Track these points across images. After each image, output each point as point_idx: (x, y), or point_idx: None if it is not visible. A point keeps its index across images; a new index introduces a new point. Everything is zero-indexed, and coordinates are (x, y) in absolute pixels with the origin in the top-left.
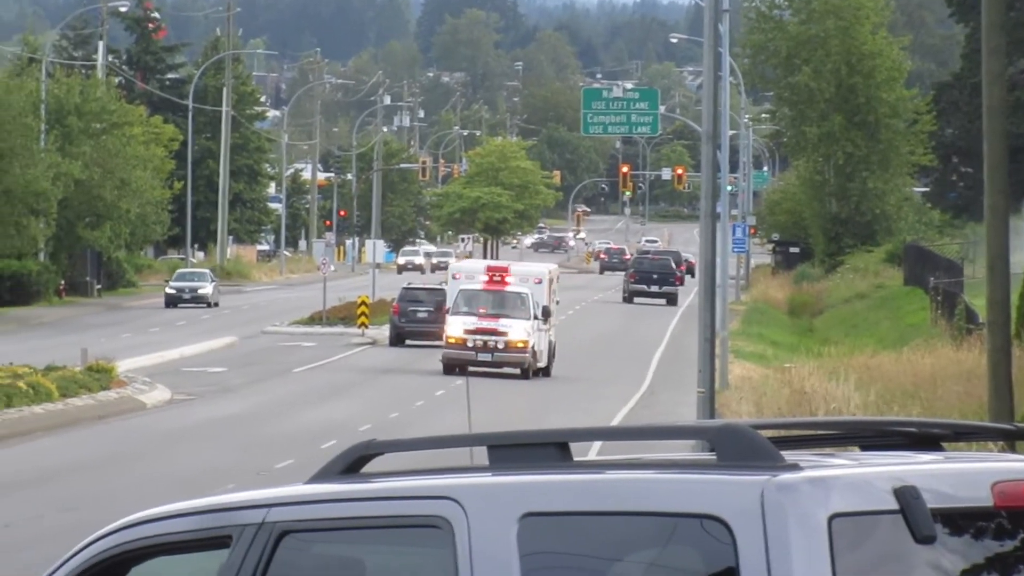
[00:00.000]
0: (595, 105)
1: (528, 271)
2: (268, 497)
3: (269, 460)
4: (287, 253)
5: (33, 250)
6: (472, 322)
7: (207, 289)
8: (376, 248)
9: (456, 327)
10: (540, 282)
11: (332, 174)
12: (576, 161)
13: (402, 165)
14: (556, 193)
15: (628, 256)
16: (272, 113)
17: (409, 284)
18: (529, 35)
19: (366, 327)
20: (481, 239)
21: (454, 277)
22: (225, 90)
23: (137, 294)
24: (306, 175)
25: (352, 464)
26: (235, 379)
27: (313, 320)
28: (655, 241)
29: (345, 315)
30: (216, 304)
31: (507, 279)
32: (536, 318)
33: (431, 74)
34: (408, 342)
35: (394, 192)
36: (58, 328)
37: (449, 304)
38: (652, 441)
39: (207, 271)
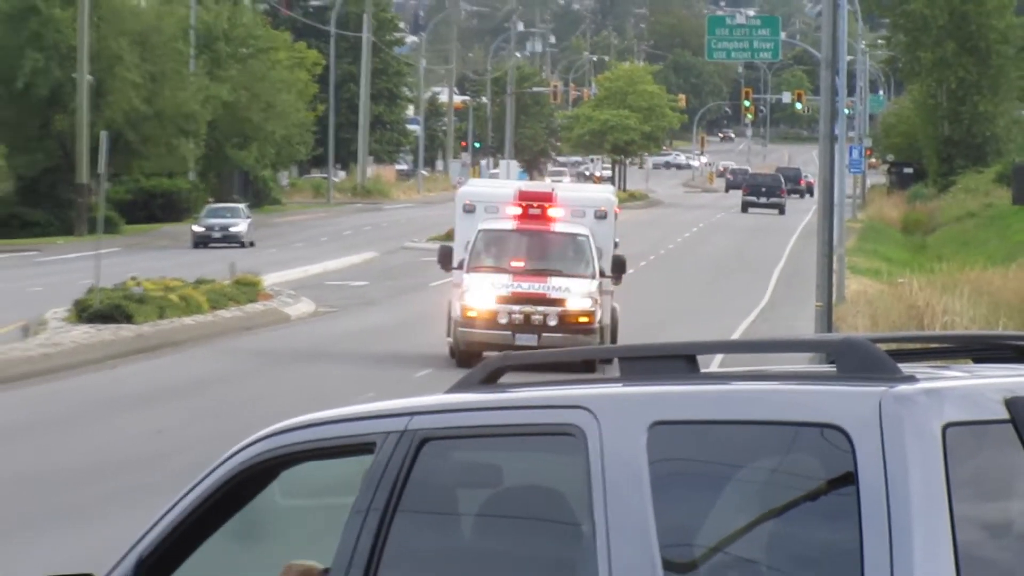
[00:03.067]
0: (719, 31)
1: (583, 198)
2: (410, 406)
3: (408, 370)
4: (424, 173)
5: (183, 169)
6: (505, 283)
7: (240, 227)
8: (510, 168)
9: (479, 292)
10: (605, 215)
11: (467, 97)
12: (700, 85)
13: (534, 89)
14: (682, 116)
15: (744, 177)
16: (410, 39)
17: (599, 178)
18: None
19: None
20: (611, 160)
21: (466, 209)
22: (365, 16)
23: (282, 211)
24: (443, 98)
25: (490, 375)
26: (375, 292)
27: (449, 236)
28: (744, 169)
29: None
30: (252, 244)
31: (551, 211)
32: (602, 275)
33: (562, 1)
34: None
35: (526, 115)
36: None
37: (461, 253)
38: (773, 353)
39: (240, 207)
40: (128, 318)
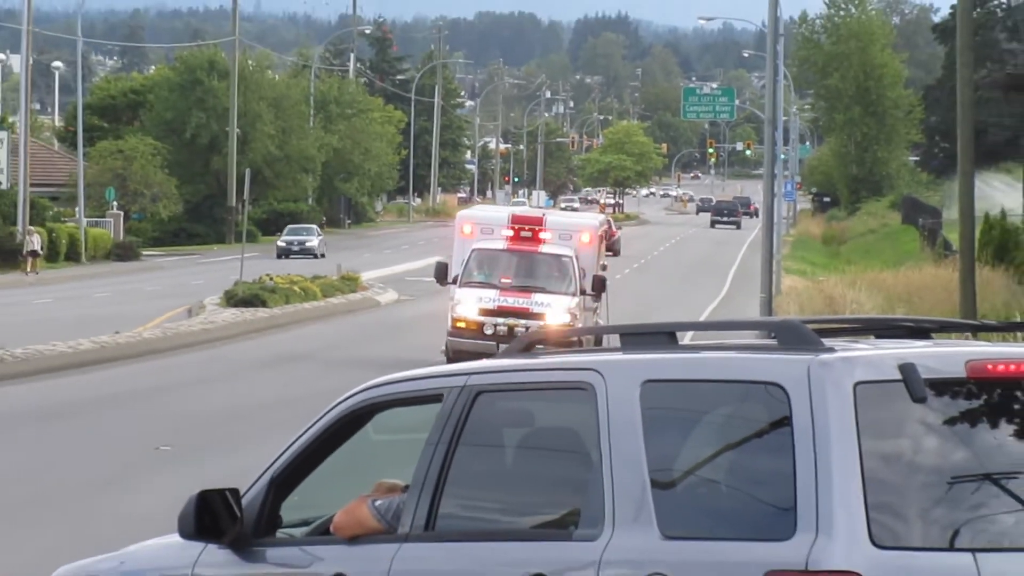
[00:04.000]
0: (691, 98)
1: (571, 223)
2: (469, 368)
3: None
4: (478, 199)
5: (304, 196)
6: (492, 298)
7: (313, 242)
8: (540, 196)
9: (468, 305)
10: (590, 241)
11: (509, 145)
12: (677, 137)
13: (557, 139)
14: (663, 159)
15: (713, 201)
16: (469, 103)
17: (603, 206)
18: (646, 50)
19: None
20: (612, 191)
21: (462, 232)
22: (437, 87)
23: (375, 227)
24: (492, 146)
25: (527, 346)
26: (441, 287)
27: None
28: (709, 198)
29: None
30: (323, 255)
31: (541, 235)
32: (583, 293)
33: (578, 77)
34: None
35: (552, 158)
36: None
37: (455, 269)
38: (730, 331)
39: (314, 227)
40: (263, 303)
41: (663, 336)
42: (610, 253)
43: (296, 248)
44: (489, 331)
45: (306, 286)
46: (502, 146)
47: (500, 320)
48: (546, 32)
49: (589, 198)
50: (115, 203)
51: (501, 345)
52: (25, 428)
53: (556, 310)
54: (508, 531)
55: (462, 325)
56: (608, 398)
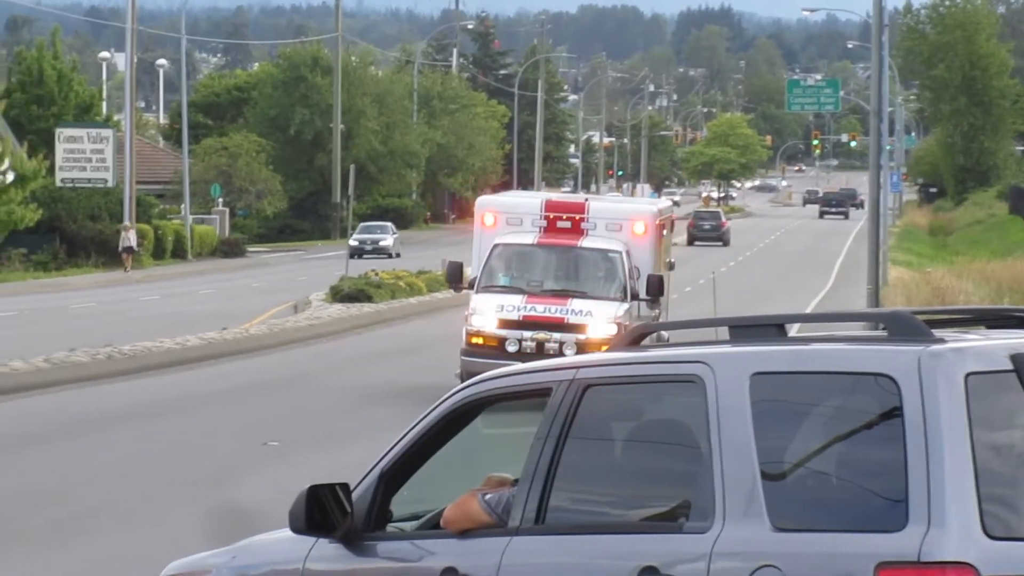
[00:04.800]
0: (796, 91)
1: (621, 210)
2: (577, 361)
3: None
4: (583, 192)
5: (408, 192)
6: (516, 305)
7: (387, 241)
8: (643, 189)
9: (485, 315)
10: (645, 232)
11: (613, 139)
12: (782, 129)
13: (661, 133)
14: (768, 151)
15: (820, 193)
16: (572, 97)
17: (707, 199)
18: (749, 42)
19: None
20: (717, 184)
21: (483, 224)
22: (540, 81)
23: None
24: (595, 139)
25: (634, 339)
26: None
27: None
28: (815, 190)
29: None
30: (398, 255)
31: (583, 225)
32: (636, 297)
33: (681, 70)
34: (696, 243)
35: (655, 151)
36: (425, 245)
37: (474, 271)
38: (838, 323)
39: (389, 224)
40: (369, 298)
41: (772, 328)
42: (719, 243)
43: (369, 247)
44: (512, 348)
45: (411, 281)
46: (605, 140)
47: (527, 334)
48: (649, 25)
49: (700, 193)
50: (220, 200)
51: None
52: (134, 425)
53: (599, 320)
54: (618, 524)
55: (479, 341)
56: (717, 391)
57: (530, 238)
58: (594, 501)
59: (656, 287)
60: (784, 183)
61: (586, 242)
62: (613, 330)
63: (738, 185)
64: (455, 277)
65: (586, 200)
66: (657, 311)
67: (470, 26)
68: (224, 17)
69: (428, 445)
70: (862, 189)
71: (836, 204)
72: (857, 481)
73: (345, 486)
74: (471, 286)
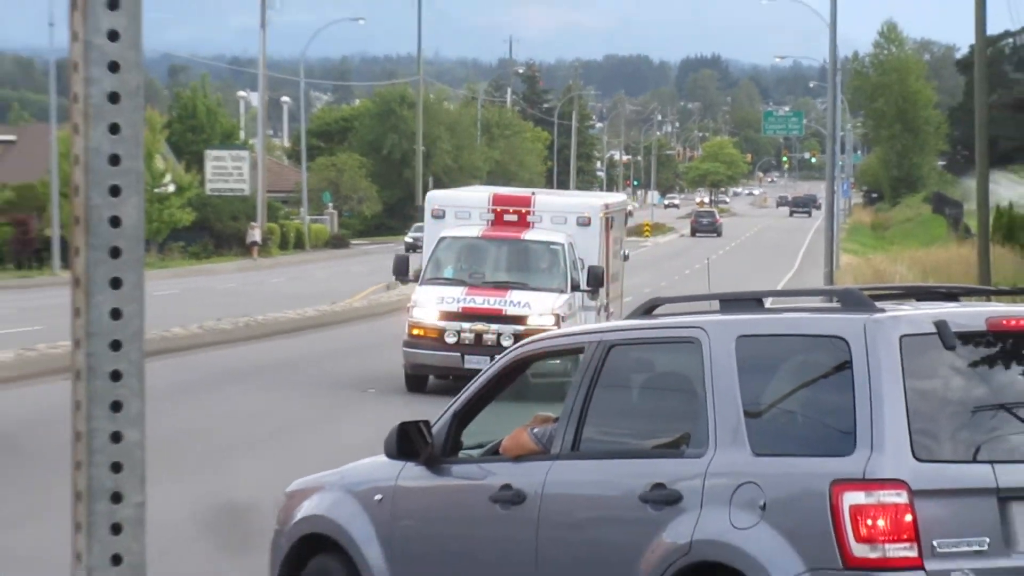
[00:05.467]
0: (770, 119)
1: (567, 204)
2: (603, 327)
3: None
4: None
5: None
6: (456, 297)
7: None
8: (652, 195)
9: (426, 307)
10: (589, 223)
11: (629, 156)
12: (759, 148)
13: (666, 152)
14: (748, 166)
15: (789, 198)
16: (598, 124)
17: (701, 204)
18: (734, 82)
19: (648, 237)
20: (709, 191)
21: (434, 215)
22: (574, 113)
23: None
24: (616, 157)
25: (648, 309)
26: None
27: (627, 234)
28: (785, 196)
29: (638, 231)
30: None
31: (529, 218)
32: (578, 289)
33: (682, 104)
34: (697, 235)
35: (662, 166)
36: None
37: (424, 262)
38: (803, 298)
39: None
40: None
41: (752, 301)
42: (715, 235)
43: (421, 244)
44: (451, 339)
45: None
46: (624, 157)
47: (466, 325)
48: (657, 69)
49: (696, 201)
50: (330, 204)
51: (467, 356)
52: (267, 377)
53: (537, 311)
54: (635, 451)
55: (419, 332)
56: (711, 350)
57: (475, 231)
58: (616, 434)
59: (596, 278)
60: (760, 190)
61: (529, 235)
62: (550, 321)
63: (734, 191)
64: (401, 269)
65: (533, 194)
66: (598, 301)
67: (520, 71)
68: (333, 64)
69: (490, 391)
70: (820, 195)
71: (802, 206)
72: (817, 418)
73: (427, 422)
74: (417, 278)
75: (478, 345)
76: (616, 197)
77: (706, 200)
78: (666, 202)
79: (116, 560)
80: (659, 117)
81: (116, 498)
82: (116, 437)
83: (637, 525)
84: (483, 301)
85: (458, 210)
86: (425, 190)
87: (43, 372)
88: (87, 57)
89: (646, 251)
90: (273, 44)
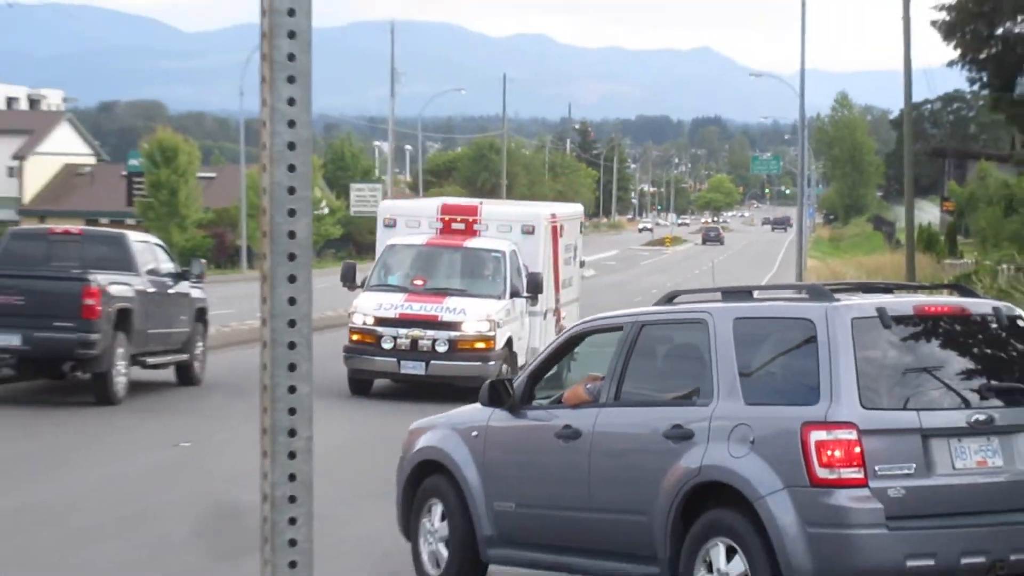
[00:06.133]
0: (756, 162)
1: (513, 213)
2: (637, 311)
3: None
4: (638, 219)
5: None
6: (395, 304)
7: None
8: (672, 216)
9: (366, 314)
10: (533, 231)
11: (654, 188)
12: (749, 182)
13: (682, 185)
14: (740, 195)
15: (771, 219)
16: (632, 165)
17: (707, 222)
18: (731, 135)
19: (668, 246)
20: (712, 213)
21: (386, 224)
22: (615, 157)
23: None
24: (645, 188)
25: (669, 298)
26: (619, 265)
27: (653, 244)
28: (769, 217)
29: (661, 242)
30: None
31: (476, 226)
32: (517, 295)
33: (693, 151)
34: (706, 244)
35: (679, 195)
36: None
37: (371, 269)
38: (781, 290)
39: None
40: None
41: (745, 292)
42: (719, 244)
43: None
44: (387, 344)
45: None
46: (651, 189)
47: (403, 331)
48: (675, 126)
49: (702, 220)
50: None
51: (403, 362)
52: None
53: (471, 318)
54: (660, 400)
55: (358, 338)
56: (715, 327)
57: (421, 239)
58: (646, 388)
59: (534, 284)
60: (749, 213)
61: (471, 243)
62: (485, 327)
63: (730, 214)
64: (348, 276)
65: (480, 203)
66: (542, 306)
67: (576, 127)
68: (442, 121)
69: (555, 357)
70: (793, 216)
71: (779, 224)
72: (791, 377)
73: (510, 380)
74: (363, 285)
75: (413, 351)
76: (567, 207)
77: (711, 220)
78: (679, 221)
79: (291, 478)
80: (676, 160)
81: (291, 433)
82: (291, 389)
83: (661, 454)
84: (420, 308)
85: (408, 219)
86: None
87: (235, 343)
88: (272, 117)
89: (667, 257)
90: (399, 107)
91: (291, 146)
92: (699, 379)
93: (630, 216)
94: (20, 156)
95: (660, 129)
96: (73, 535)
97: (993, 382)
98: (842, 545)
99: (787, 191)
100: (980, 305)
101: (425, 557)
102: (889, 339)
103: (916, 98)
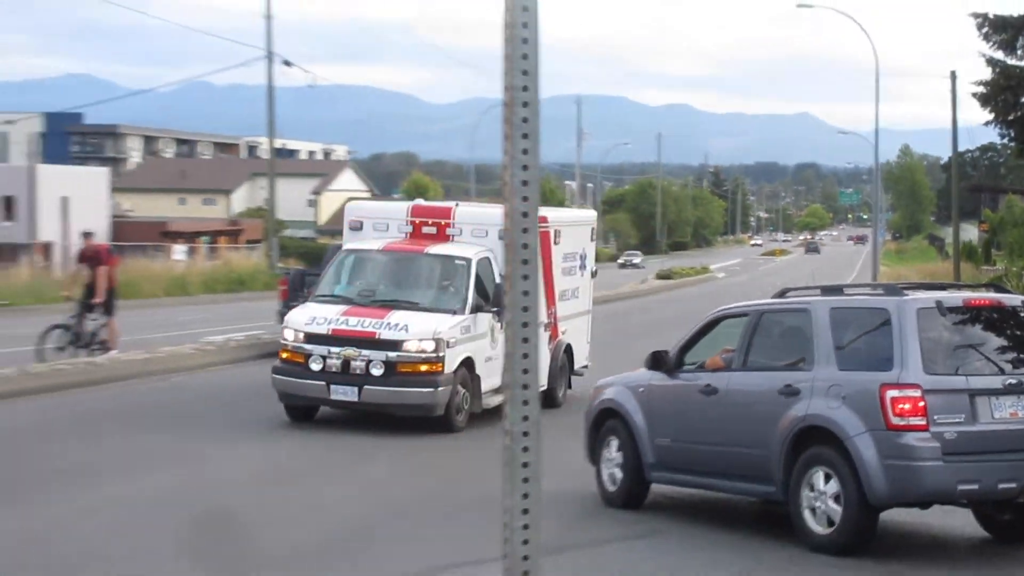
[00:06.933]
0: (843, 195)
1: (487, 216)
2: (758, 302)
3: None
4: (756, 236)
5: (687, 236)
6: (328, 316)
7: (638, 260)
8: (780, 235)
9: (295, 327)
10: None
11: (768, 215)
12: (837, 211)
13: (787, 212)
14: (830, 219)
15: (855, 236)
16: (751, 198)
17: (807, 238)
18: (824, 176)
19: (778, 256)
20: (810, 233)
21: (352, 227)
22: (739, 192)
23: (714, 247)
24: (761, 215)
25: (781, 293)
26: (741, 270)
27: (766, 254)
28: (853, 236)
29: (772, 253)
30: (643, 267)
31: (448, 231)
32: (480, 310)
33: (795, 187)
34: (807, 254)
35: (785, 219)
36: (681, 259)
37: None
38: (863, 288)
39: (638, 251)
40: (669, 277)
41: (837, 289)
42: (817, 254)
43: (628, 264)
44: (316, 366)
45: (687, 271)
46: (765, 215)
47: (336, 350)
48: (782, 169)
49: (800, 238)
50: (613, 239)
51: (334, 386)
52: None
53: (416, 334)
54: (775, 367)
55: (287, 356)
56: (816, 314)
57: (378, 244)
58: (765, 358)
59: (501, 298)
60: (836, 232)
61: (434, 249)
62: (430, 347)
63: (823, 233)
64: (295, 287)
65: (456, 205)
66: (500, 321)
67: (711, 170)
68: (615, 166)
69: (698, 336)
70: (869, 235)
71: (859, 240)
72: (872, 351)
73: (666, 351)
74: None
75: (345, 373)
76: (570, 212)
77: (810, 236)
78: (784, 239)
79: (524, 419)
80: (783, 194)
81: (524, 387)
82: (524, 356)
83: (776, 406)
84: (357, 323)
85: (376, 222)
86: (663, 233)
87: None
88: (512, 163)
89: (777, 264)
90: (583, 156)
91: (524, 183)
92: (804, 352)
93: (749, 235)
94: (317, 192)
95: (771, 172)
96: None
97: (1021, 355)
98: (909, 473)
99: (864, 216)
100: (1011, 299)
101: (605, 477)
102: (944, 323)
103: (960, 148)
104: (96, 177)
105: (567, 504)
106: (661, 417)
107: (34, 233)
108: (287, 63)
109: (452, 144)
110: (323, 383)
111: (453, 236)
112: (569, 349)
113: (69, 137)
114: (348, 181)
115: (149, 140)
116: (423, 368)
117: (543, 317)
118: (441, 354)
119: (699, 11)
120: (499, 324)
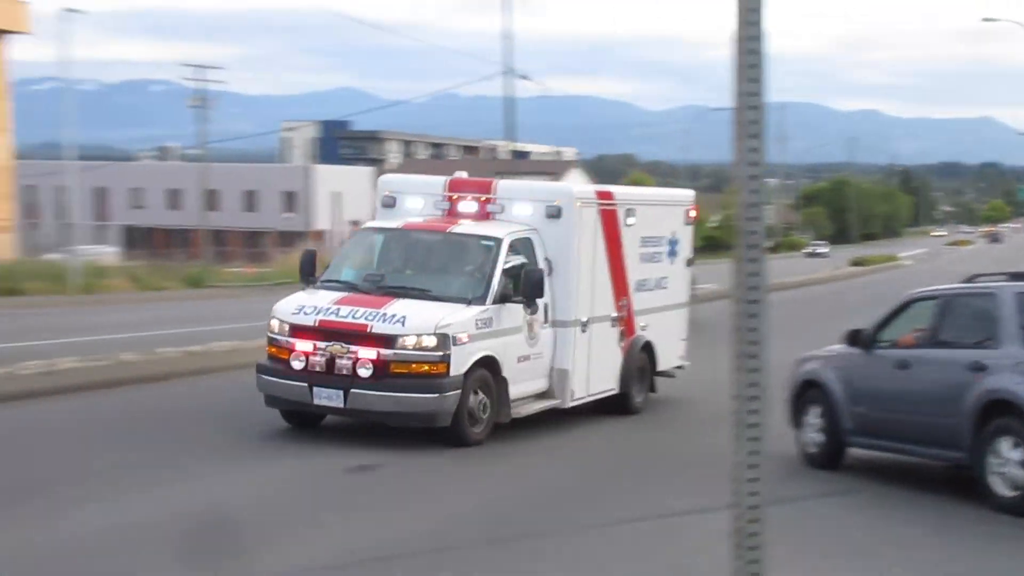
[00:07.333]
0: (1021, 191)
1: (535, 190)
2: (948, 287)
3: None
4: (940, 229)
5: (879, 227)
6: (319, 305)
7: (824, 249)
8: (963, 227)
9: (282, 317)
10: (559, 215)
11: (951, 208)
12: (1017, 205)
13: (970, 207)
14: (1009, 212)
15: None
16: (936, 193)
17: (990, 229)
18: (1004, 174)
19: (962, 246)
20: (992, 224)
21: (384, 203)
22: (925, 189)
23: (901, 238)
24: (946, 209)
25: (970, 279)
26: (928, 259)
27: (951, 244)
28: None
29: (956, 243)
30: (828, 255)
31: (489, 207)
32: (507, 300)
33: (977, 184)
34: (992, 243)
35: (969, 213)
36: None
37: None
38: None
39: (824, 241)
40: (860, 263)
41: (1020, 274)
42: (999, 244)
43: (814, 253)
44: (298, 364)
45: (872, 258)
46: (947, 209)
47: (322, 345)
48: (966, 167)
49: (982, 230)
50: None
51: (316, 389)
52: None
53: (413, 329)
54: (964, 344)
55: (272, 351)
56: (1002, 298)
57: (398, 222)
58: (954, 337)
59: (531, 285)
60: (1016, 224)
61: (459, 228)
62: (431, 343)
63: (1004, 225)
64: (307, 268)
65: (497, 179)
66: (535, 315)
67: (898, 168)
68: (810, 165)
69: (892, 316)
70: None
71: (994, 237)
72: (974, 327)
73: (863, 330)
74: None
75: (329, 373)
76: (650, 190)
77: (994, 227)
78: (965, 230)
79: (752, 385)
80: (966, 191)
81: (752, 356)
82: (751, 329)
83: (966, 380)
84: (349, 314)
85: (411, 196)
86: (854, 228)
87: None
88: (742, 159)
89: (961, 253)
90: (785, 156)
91: (752, 177)
92: (991, 332)
93: (934, 227)
94: None
95: (955, 171)
96: None
97: None
98: None
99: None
100: None
101: (806, 440)
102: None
103: None
104: (362, 175)
105: (768, 464)
106: (858, 388)
107: (310, 223)
108: (523, 77)
109: (666, 146)
110: (305, 385)
111: (494, 213)
112: (649, 347)
113: (339, 141)
114: (574, 179)
115: (406, 144)
116: (423, 369)
117: (607, 310)
118: (442, 353)
119: (887, 30)
120: (538, 317)
